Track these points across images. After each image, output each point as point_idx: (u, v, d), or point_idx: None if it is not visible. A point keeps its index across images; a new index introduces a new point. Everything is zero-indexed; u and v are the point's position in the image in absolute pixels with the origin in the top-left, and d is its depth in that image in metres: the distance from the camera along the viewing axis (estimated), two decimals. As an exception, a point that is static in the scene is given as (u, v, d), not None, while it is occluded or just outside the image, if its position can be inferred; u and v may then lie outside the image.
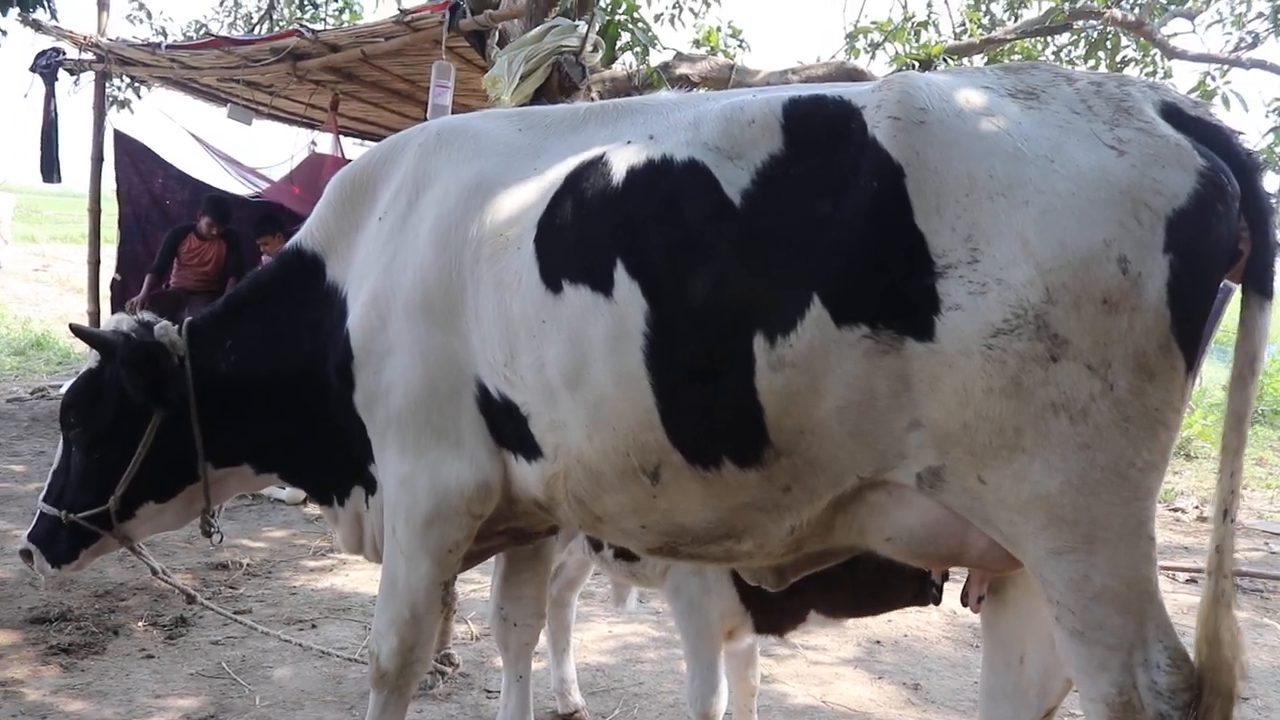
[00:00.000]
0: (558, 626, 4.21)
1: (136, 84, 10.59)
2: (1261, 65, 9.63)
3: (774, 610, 3.34)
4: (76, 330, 3.51)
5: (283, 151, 16.71)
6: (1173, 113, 2.21)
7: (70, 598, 5.30)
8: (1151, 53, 10.62)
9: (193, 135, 11.20)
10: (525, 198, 2.70)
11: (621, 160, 2.57)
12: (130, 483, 3.31)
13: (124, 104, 10.60)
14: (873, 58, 11.29)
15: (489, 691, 4.36)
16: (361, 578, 5.92)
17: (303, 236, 3.24)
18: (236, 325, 3.33)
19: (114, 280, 10.72)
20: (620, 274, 2.47)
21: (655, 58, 8.35)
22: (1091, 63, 10.13)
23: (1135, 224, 2.07)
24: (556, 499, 2.75)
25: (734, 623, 3.38)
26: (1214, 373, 18.41)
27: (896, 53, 10.77)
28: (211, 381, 3.26)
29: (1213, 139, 2.18)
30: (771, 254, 2.33)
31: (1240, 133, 2.24)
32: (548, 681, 4.28)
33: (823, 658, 5.03)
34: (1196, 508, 9.30)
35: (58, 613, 5.05)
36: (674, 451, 2.48)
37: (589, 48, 5.74)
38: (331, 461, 3.19)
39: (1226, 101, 9.55)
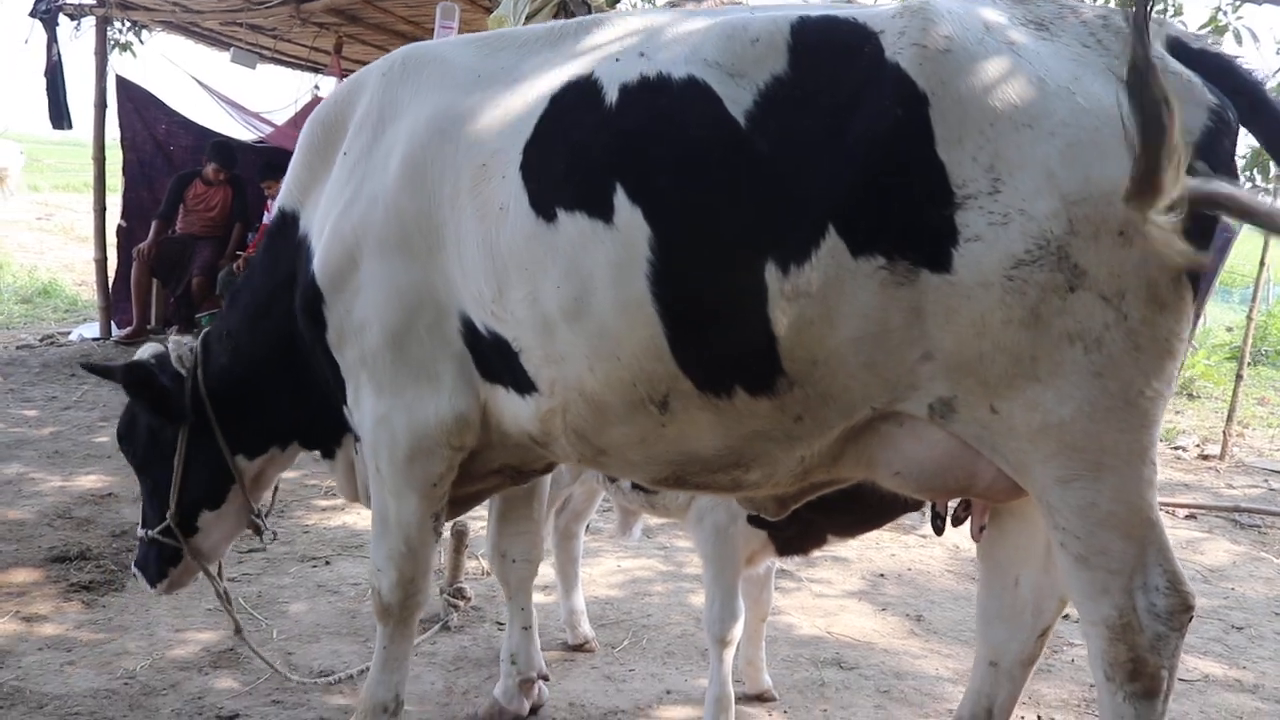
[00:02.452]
0: (565, 559, 4.30)
1: (138, 28, 10.51)
2: (1275, 0, 9.49)
3: (795, 532, 3.42)
4: (87, 367, 3.64)
5: (287, 96, 16.61)
6: (1179, 47, 2.22)
7: (89, 537, 5.41)
8: (1162, -12, 10.48)
9: (196, 80, 11.16)
10: (505, 123, 2.59)
11: (612, 78, 2.47)
12: (179, 496, 3.39)
13: (125, 47, 10.51)
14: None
15: (500, 624, 4.46)
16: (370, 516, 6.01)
17: (281, 196, 3.21)
18: (232, 311, 3.39)
19: (120, 227, 10.75)
20: (621, 199, 2.39)
21: (660, -4, 8.28)
22: (1101, -1, 10.02)
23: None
24: (553, 434, 2.71)
25: (756, 546, 3.47)
26: (1218, 313, 18.45)
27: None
28: (220, 379, 3.33)
29: (1219, 71, 2.20)
30: (782, 180, 2.27)
31: (1241, 58, 2.27)
32: (557, 614, 4.38)
33: (828, 590, 5.13)
34: (1198, 445, 9.37)
35: (77, 551, 5.16)
36: (684, 380, 2.44)
37: (593, -14, 5.71)
38: (328, 415, 3.20)
39: (1238, 36, 9.44)
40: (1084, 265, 2.10)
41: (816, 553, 5.56)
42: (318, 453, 3.46)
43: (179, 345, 3.41)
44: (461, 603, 4.50)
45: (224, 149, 10.11)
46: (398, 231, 2.74)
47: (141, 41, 10.48)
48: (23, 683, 3.84)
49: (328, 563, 5.24)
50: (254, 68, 10.78)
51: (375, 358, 2.85)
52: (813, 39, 2.33)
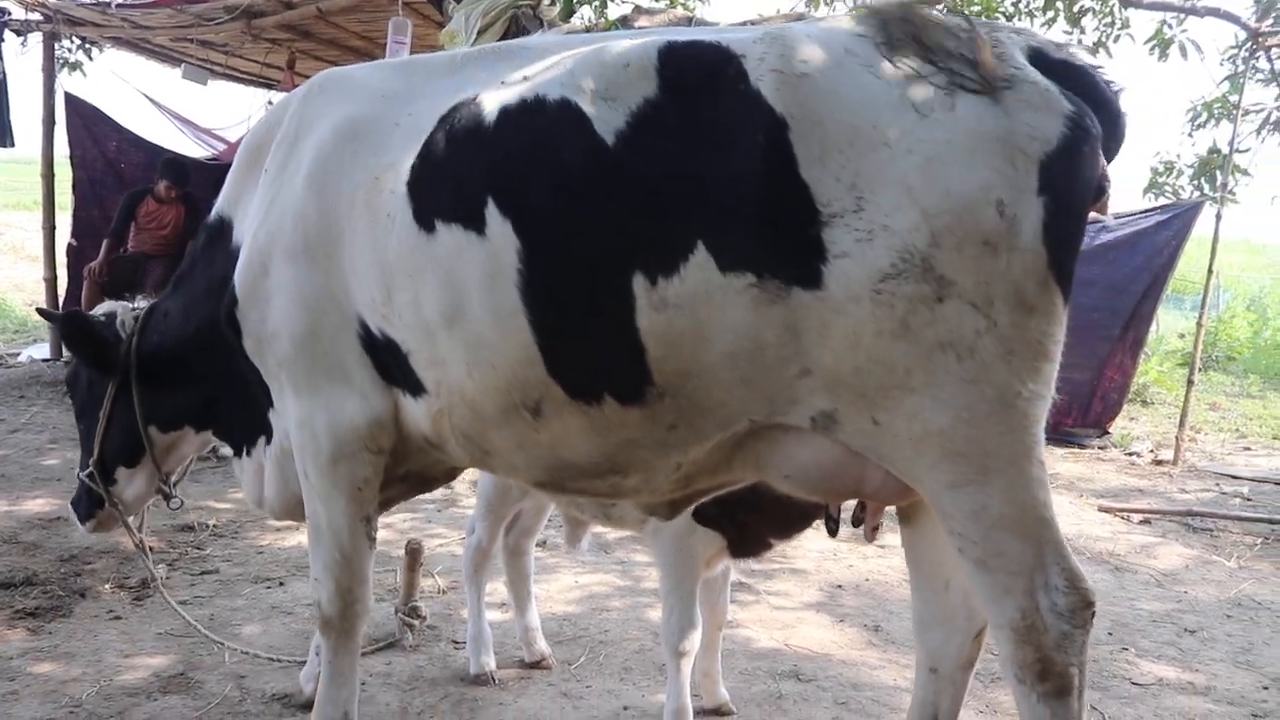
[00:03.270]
0: (517, 576, 4.26)
1: (87, 45, 10.38)
2: (1216, 14, 9.68)
3: (747, 536, 3.44)
4: (41, 312, 4.14)
5: (239, 112, 16.50)
6: (1039, 57, 2.30)
7: (35, 562, 5.30)
8: (1109, 2, 10.66)
9: (147, 97, 11.05)
10: (399, 140, 2.71)
11: (494, 101, 2.57)
12: (101, 447, 3.65)
13: (75, 66, 10.38)
14: (832, 8, 11.26)
15: (456, 643, 4.42)
16: (329, 536, 5.94)
17: (219, 202, 3.35)
18: (170, 297, 3.57)
19: (70, 246, 10.58)
20: (492, 213, 2.48)
21: (614, 10, 8.30)
22: (1050, 13, 10.14)
23: (1011, 168, 2.16)
24: (444, 435, 2.79)
25: (713, 552, 3.46)
26: (1170, 320, 18.74)
27: (855, 3, 10.74)
28: (149, 353, 3.53)
29: (1078, 80, 2.28)
30: (648, 198, 2.34)
31: (1100, 67, 2.35)
32: (514, 631, 4.34)
33: (785, 603, 5.13)
34: (1151, 451, 9.49)
35: (23, 577, 5.05)
36: (555, 387, 2.51)
37: (546, 1, 5.72)
38: (244, 414, 3.33)
39: (1184, 50, 9.63)
40: (950, 276, 2.16)
41: (774, 565, 5.62)
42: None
43: (126, 311, 3.65)
44: (416, 622, 4.45)
45: (176, 166, 9.97)
46: (302, 239, 2.84)
47: (91, 59, 10.35)
48: (-37, 714, 3.74)
49: (281, 584, 5.16)
50: (205, 84, 10.66)
51: (290, 362, 2.94)
52: (679, 64, 2.40)
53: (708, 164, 2.29)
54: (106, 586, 5.01)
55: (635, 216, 2.35)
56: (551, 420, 2.57)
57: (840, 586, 5.41)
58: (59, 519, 6.02)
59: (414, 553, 4.49)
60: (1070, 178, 2.19)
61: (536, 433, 2.62)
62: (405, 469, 3.13)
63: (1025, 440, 2.23)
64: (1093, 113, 2.23)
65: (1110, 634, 4.92)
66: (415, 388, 2.76)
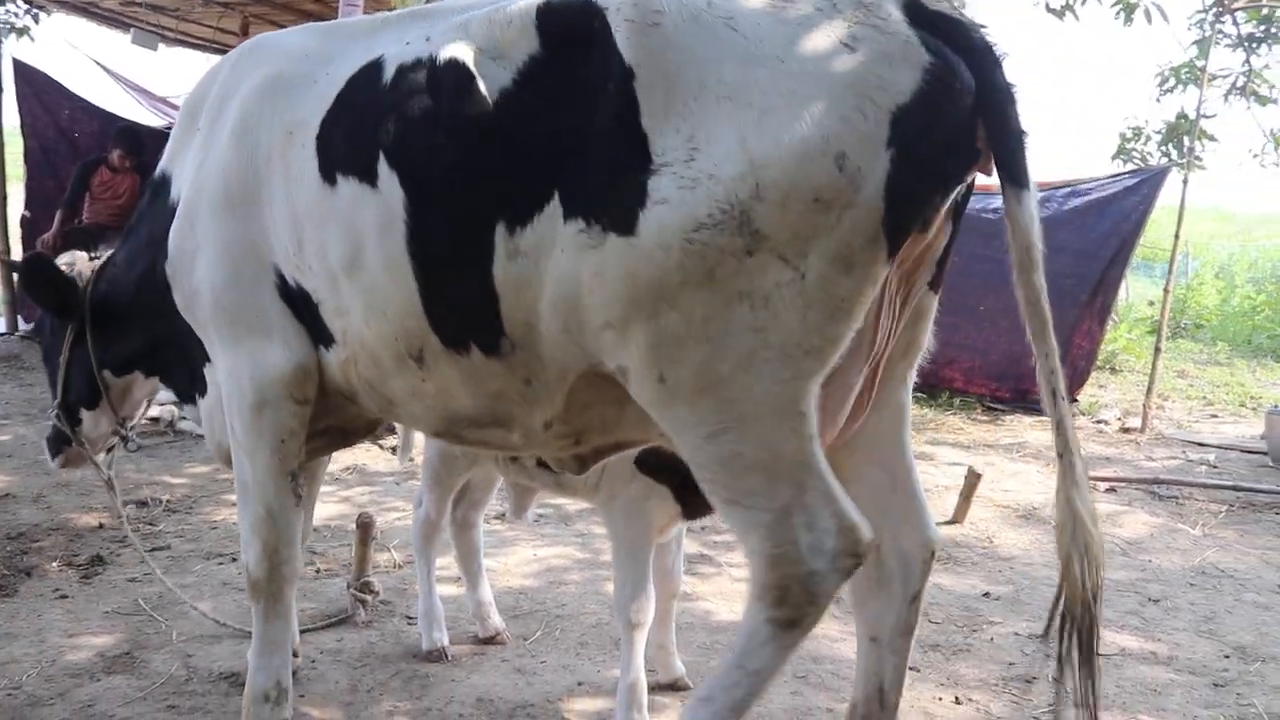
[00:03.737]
0: (467, 550, 4.18)
1: (34, 10, 10.08)
2: (1184, -22, 9.62)
3: (699, 496, 3.35)
4: (3, 262, 4.34)
5: (193, 79, 16.18)
6: (914, 9, 2.23)
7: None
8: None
9: (98, 64, 10.76)
10: (312, 97, 2.80)
11: (394, 60, 2.65)
12: (64, 388, 3.91)
13: (22, 31, 10.09)
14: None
15: (410, 619, 4.33)
16: (285, 511, 5.83)
17: (162, 159, 3.45)
18: (120, 249, 3.73)
19: (23, 217, 10.35)
20: (383, 166, 2.57)
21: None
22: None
23: (859, 120, 2.10)
24: (353, 384, 2.89)
25: (667, 518, 3.39)
26: (1140, 288, 18.83)
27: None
28: (99, 301, 3.71)
29: (952, 34, 2.21)
30: (516, 149, 2.39)
31: (982, 26, 2.27)
32: (467, 606, 4.25)
33: (747, 574, 5.04)
34: (1119, 419, 9.50)
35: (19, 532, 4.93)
36: (433, 336, 2.60)
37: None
38: (187, 362, 3.43)
39: (1148, 14, 9.56)
40: (766, 230, 2.12)
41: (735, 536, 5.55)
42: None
43: (84, 261, 3.86)
44: (369, 597, 4.36)
45: (130, 134, 9.75)
46: (224, 190, 2.94)
47: (37, 23, 10.06)
48: (-103, 698, 3.63)
49: (234, 559, 5.04)
50: (155, 49, 10.40)
51: (215, 314, 3.02)
52: (553, 19, 2.43)
53: (567, 115, 2.33)
54: (54, 565, 4.89)
55: (505, 169, 2.40)
56: (434, 370, 2.65)
57: (803, 557, 5.34)
58: (8, 495, 5.89)
59: (365, 526, 4.39)
60: (924, 131, 2.12)
61: (424, 382, 2.70)
62: (326, 422, 3.21)
63: (794, 390, 2.22)
64: (965, 67, 2.16)
65: (1073, 602, 4.88)
66: (327, 338, 2.85)
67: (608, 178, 2.26)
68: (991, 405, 9.80)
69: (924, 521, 2.69)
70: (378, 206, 2.58)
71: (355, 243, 2.63)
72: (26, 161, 10.46)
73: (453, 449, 3.83)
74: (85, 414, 3.91)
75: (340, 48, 2.88)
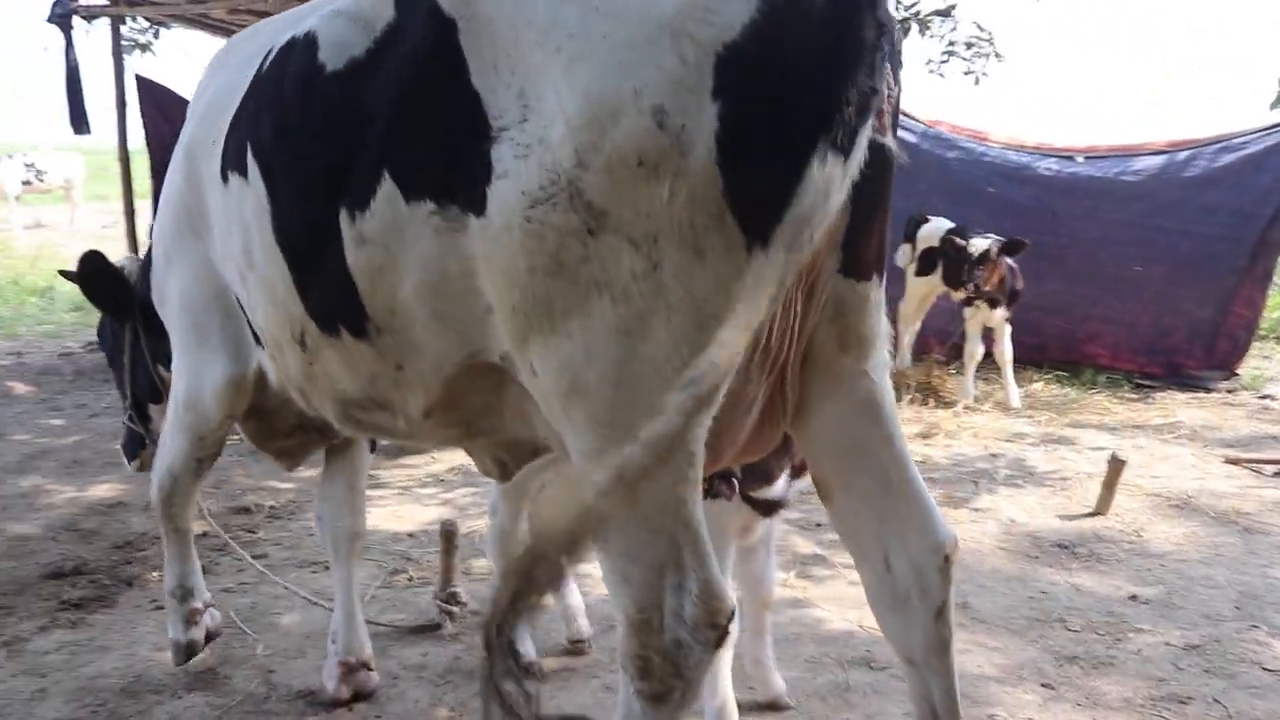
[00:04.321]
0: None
1: (154, 25, 10.32)
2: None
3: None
4: (62, 272, 4.39)
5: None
6: None
7: (90, 550, 5.20)
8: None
9: (216, 74, 10.94)
10: (226, 101, 2.77)
11: (274, 47, 2.59)
12: (131, 386, 4.18)
13: (145, 47, 10.36)
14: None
15: (500, 630, 4.11)
16: (384, 514, 5.72)
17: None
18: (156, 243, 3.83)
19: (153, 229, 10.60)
20: (250, 157, 2.54)
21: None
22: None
23: (677, 65, 1.75)
24: (281, 380, 2.94)
25: (741, 519, 3.10)
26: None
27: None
28: (143, 297, 3.77)
29: None
30: (350, 126, 2.23)
31: None
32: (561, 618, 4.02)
33: (864, 577, 4.67)
34: (1287, 394, 8.66)
35: (73, 566, 4.95)
36: (310, 321, 2.55)
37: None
38: None
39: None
40: (602, 204, 1.82)
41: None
42: None
43: (133, 261, 4.12)
44: (455, 608, 4.16)
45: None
46: (182, 206, 3.05)
47: (157, 38, 10.30)
48: (-13, 715, 3.60)
49: (328, 568, 4.92)
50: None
51: (174, 321, 3.27)
52: None
53: (396, 84, 2.12)
54: (155, 574, 4.85)
55: (343, 147, 2.26)
56: (317, 353, 2.60)
57: (926, 557, 4.92)
58: (120, 504, 5.94)
59: (449, 535, 4.21)
60: (761, 75, 1.74)
61: (312, 365, 2.66)
62: (288, 422, 3.41)
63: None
64: None
65: (1238, 609, 4.34)
66: (257, 337, 2.93)
67: (449, 152, 2.02)
68: (1141, 382, 9.05)
69: (931, 523, 2.33)
70: (253, 198, 2.55)
71: (246, 237, 2.62)
72: (153, 175, 10.72)
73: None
74: (153, 409, 4.16)
75: (266, 44, 2.75)
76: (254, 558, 5.02)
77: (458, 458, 6.81)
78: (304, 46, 2.39)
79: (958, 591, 4.41)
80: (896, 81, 2.09)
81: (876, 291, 2.29)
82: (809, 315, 2.18)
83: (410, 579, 4.79)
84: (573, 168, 1.81)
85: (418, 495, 6.07)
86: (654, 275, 1.83)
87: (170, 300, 3.22)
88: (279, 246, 2.50)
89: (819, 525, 5.32)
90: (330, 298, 2.42)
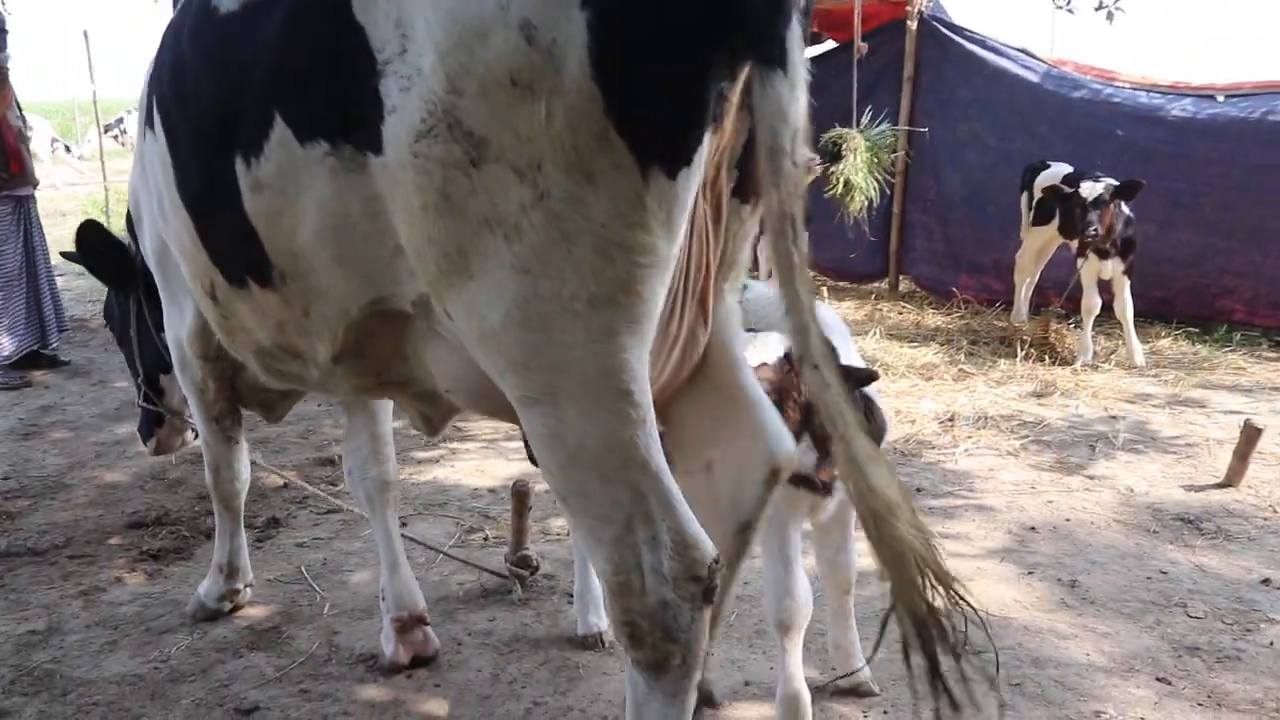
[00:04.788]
0: None
1: None
2: None
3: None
4: (63, 254, 4.41)
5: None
6: None
7: (174, 500, 5.21)
8: None
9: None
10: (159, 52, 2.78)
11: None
12: (140, 358, 4.17)
13: None
14: None
15: (571, 597, 3.93)
16: (467, 468, 5.59)
17: None
18: None
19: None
20: (154, 108, 2.58)
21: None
22: None
23: None
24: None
25: (809, 500, 2.83)
26: None
27: None
28: (143, 265, 3.75)
29: None
30: (243, 72, 2.16)
31: None
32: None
33: (964, 549, 4.34)
34: None
35: (155, 516, 4.96)
36: (216, 271, 2.55)
37: None
38: None
39: None
40: (480, 132, 1.73)
41: (957, 499, 4.84)
42: None
43: None
44: (526, 573, 3.99)
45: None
46: (140, 170, 3.12)
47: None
48: (56, 665, 3.58)
49: (404, 524, 4.81)
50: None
51: (158, 274, 3.31)
52: None
53: (283, 23, 2.03)
54: (235, 526, 4.82)
55: (234, 94, 2.20)
56: (226, 304, 2.62)
57: (1033, 529, 4.55)
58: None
59: (521, 494, 4.02)
60: None
61: (226, 318, 2.69)
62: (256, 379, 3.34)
63: (600, 358, 1.82)
64: None
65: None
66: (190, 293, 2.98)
67: (337, 90, 1.93)
68: (1281, 340, 8.36)
69: (767, 433, 2.27)
70: (159, 152, 2.57)
71: (159, 191, 2.67)
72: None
73: None
74: (165, 381, 4.18)
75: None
76: (330, 511, 4.96)
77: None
78: (197, 4, 2.35)
79: (1065, 569, 4.08)
80: None
81: (751, 216, 2.18)
82: (716, 240, 2.08)
83: (486, 538, 4.64)
84: (446, 94, 1.72)
85: (503, 449, 5.92)
86: (543, 205, 1.72)
87: (147, 257, 3.28)
88: (180, 199, 2.49)
89: (920, 490, 4.99)
90: (233, 247, 2.39)
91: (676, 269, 1.90)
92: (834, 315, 3.06)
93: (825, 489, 2.79)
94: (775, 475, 2.27)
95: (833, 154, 7.55)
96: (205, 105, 2.31)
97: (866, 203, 7.77)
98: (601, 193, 1.71)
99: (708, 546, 1.93)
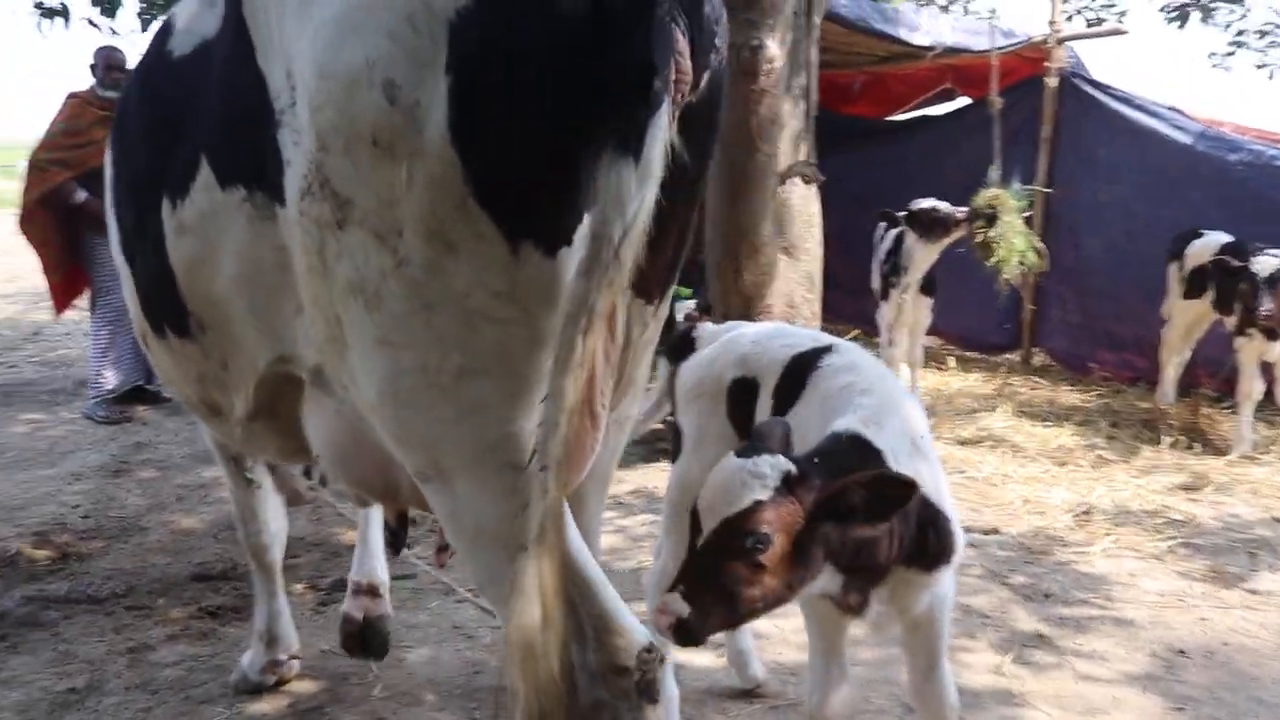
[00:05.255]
0: None
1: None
2: None
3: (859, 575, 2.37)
4: None
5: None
6: None
7: (242, 552, 4.95)
8: None
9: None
10: None
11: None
12: None
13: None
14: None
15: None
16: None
17: None
18: None
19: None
20: (109, 146, 2.64)
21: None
22: None
23: (409, 33, 1.60)
24: None
25: (835, 618, 2.49)
26: None
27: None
28: None
29: None
30: (179, 112, 2.17)
31: None
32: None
33: (1099, 671, 3.75)
34: None
35: (221, 569, 4.75)
36: (144, 320, 2.53)
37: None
38: None
39: None
40: (346, 192, 1.69)
41: (1092, 610, 4.25)
42: None
43: None
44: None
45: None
46: None
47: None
48: (88, 731, 3.33)
49: (476, 595, 4.47)
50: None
51: None
52: None
53: (213, 68, 2.04)
54: (299, 586, 4.57)
55: (166, 134, 2.19)
56: (154, 352, 2.59)
57: (1183, 652, 3.91)
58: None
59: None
60: (496, 45, 1.56)
61: (158, 366, 2.69)
62: None
63: (482, 435, 1.76)
64: None
65: None
66: None
67: (254, 137, 1.86)
68: None
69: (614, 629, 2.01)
70: (109, 192, 2.61)
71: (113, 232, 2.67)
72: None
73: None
74: None
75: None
76: (400, 577, 4.64)
77: (644, 477, 6.25)
78: (161, 31, 2.37)
79: (1225, 706, 3.47)
80: (709, 50, 1.74)
81: (653, 322, 2.05)
82: (613, 337, 1.94)
83: (559, 618, 4.24)
84: (317, 151, 1.68)
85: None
86: (401, 272, 1.66)
87: None
88: (120, 244, 2.48)
89: (1048, 595, 4.41)
90: (154, 294, 2.35)
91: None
92: (916, 409, 2.62)
93: (853, 610, 2.39)
94: (624, 640, 1.99)
95: (989, 216, 6.99)
96: (141, 143, 2.32)
97: (1021, 267, 7.18)
98: (463, 262, 1.65)
99: (634, 633, 1.76)
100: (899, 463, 2.32)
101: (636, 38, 1.53)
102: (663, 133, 1.58)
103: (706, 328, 3.40)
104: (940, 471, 2.51)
